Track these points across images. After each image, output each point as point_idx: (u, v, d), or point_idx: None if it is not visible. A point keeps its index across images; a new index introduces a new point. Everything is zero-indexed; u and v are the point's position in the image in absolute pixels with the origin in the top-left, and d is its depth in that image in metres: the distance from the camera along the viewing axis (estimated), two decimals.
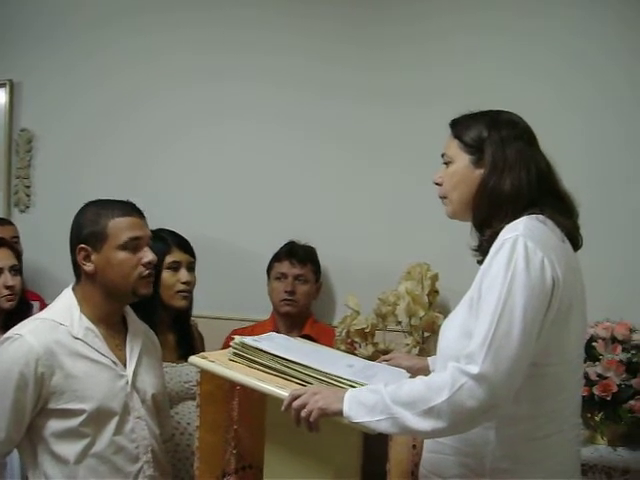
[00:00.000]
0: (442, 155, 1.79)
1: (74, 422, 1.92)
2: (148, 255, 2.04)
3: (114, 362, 2.02)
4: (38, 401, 1.92)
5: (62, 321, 1.98)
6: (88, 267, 2.01)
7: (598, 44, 2.86)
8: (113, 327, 2.08)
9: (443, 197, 1.79)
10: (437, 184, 1.81)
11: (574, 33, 2.89)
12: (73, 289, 2.07)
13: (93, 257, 2.00)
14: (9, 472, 2.32)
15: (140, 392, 2.05)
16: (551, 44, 2.91)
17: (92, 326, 2.01)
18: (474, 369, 1.48)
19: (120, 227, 2.01)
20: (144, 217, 2.09)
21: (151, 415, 2.08)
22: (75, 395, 1.92)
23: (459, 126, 1.76)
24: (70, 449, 1.92)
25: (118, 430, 1.97)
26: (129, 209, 2.06)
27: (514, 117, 1.74)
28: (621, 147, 2.84)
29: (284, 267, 3.04)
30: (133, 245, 2.01)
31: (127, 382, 2.02)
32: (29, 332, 1.94)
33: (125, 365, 2.05)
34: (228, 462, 1.98)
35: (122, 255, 2.00)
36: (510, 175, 1.65)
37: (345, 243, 3.17)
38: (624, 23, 2.84)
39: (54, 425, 1.93)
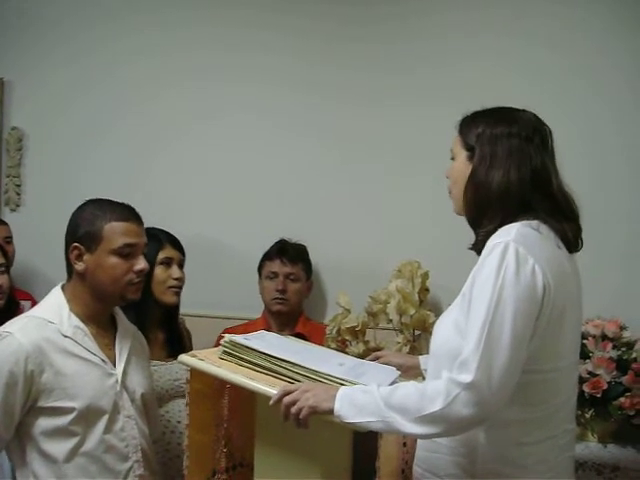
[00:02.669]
0: (451, 150, 1.79)
1: (64, 420, 1.91)
2: (141, 263, 2.03)
3: (103, 361, 2.01)
4: (28, 399, 1.91)
5: (51, 319, 1.97)
6: (79, 266, 2.00)
7: (597, 44, 2.88)
8: (102, 326, 2.07)
9: (450, 192, 1.79)
10: (448, 178, 1.80)
11: (573, 33, 2.90)
12: (62, 287, 2.06)
13: (85, 257, 1.99)
14: (1, 473, 2.31)
15: (129, 391, 2.05)
16: (550, 44, 2.92)
17: (81, 325, 2.00)
18: (467, 378, 1.48)
19: (116, 232, 1.99)
20: (142, 223, 2.08)
21: (140, 414, 2.07)
22: (65, 393, 1.92)
23: (463, 123, 1.76)
24: (59, 448, 1.92)
25: (108, 429, 1.97)
26: (128, 214, 2.04)
27: (518, 114, 1.72)
28: (617, 147, 2.86)
29: (275, 266, 3.04)
30: (127, 252, 2.00)
31: (117, 381, 2.01)
32: (18, 330, 1.93)
33: (114, 364, 2.04)
34: (218, 461, 1.97)
35: (114, 260, 1.99)
36: (498, 172, 1.64)
37: (336, 241, 3.17)
38: (623, 23, 2.86)
39: (43, 423, 1.92)
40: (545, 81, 2.90)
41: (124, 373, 2.04)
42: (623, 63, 2.85)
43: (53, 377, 1.91)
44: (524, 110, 1.74)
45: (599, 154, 2.87)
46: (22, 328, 1.94)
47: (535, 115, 1.73)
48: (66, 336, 1.96)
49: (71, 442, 1.92)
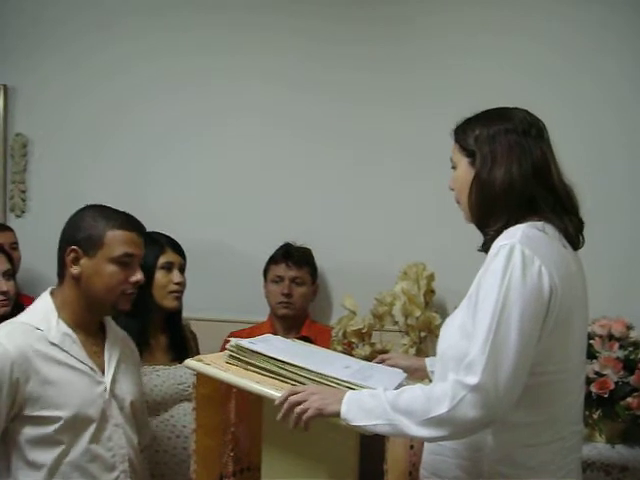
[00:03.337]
0: (450, 160, 1.79)
1: (49, 429, 1.87)
2: (137, 274, 2.00)
3: (92, 369, 1.97)
4: (12, 407, 1.86)
5: (39, 325, 1.93)
6: (75, 270, 1.96)
7: (598, 43, 2.88)
8: (92, 333, 2.03)
9: (457, 202, 1.78)
10: (452, 190, 1.79)
11: (574, 32, 2.91)
12: (52, 293, 2.02)
13: (82, 261, 1.96)
14: None
15: (118, 399, 2.01)
16: (551, 43, 2.92)
17: (70, 331, 1.96)
18: (473, 380, 1.48)
19: (118, 240, 1.96)
20: (143, 235, 2.05)
21: (129, 423, 2.03)
22: (51, 402, 1.87)
23: (458, 130, 1.76)
24: (44, 456, 1.88)
25: (94, 438, 1.92)
26: (132, 224, 2.02)
27: (510, 112, 1.72)
28: (620, 144, 2.86)
29: (280, 270, 3.04)
30: (125, 261, 1.97)
31: (105, 389, 1.98)
32: (4, 336, 1.88)
33: (103, 372, 2.00)
34: (226, 465, 1.97)
35: (112, 268, 1.96)
36: (500, 169, 1.64)
37: (342, 244, 3.17)
38: (624, 21, 2.86)
39: (29, 432, 1.88)
40: (547, 80, 2.90)
41: (113, 381, 2.00)
42: (625, 61, 2.85)
43: (39, 386, 1.87)
44: (515, 107, 1.74)
45: (601, 151, 2.87)
46: (8, 334, 1.90)
47: (527, 111, 1.73)
48: (53, 343, 1.92)
49: (56, 451, 1.88)
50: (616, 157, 2.86)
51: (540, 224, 1.62)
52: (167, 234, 2.53)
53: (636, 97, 2.84)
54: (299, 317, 3.07)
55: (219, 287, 3.26)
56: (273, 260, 3.08)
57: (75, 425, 1.90)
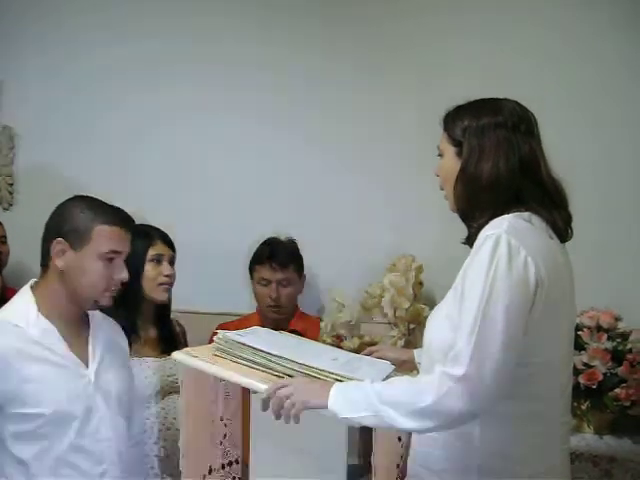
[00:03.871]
0: (437, 147, 1.78)
1: (32, 425, 1.84)
2: (123, 272, 1.96)
3: (75, 362, 1.93)
4: None
5: (18, 322, 1.88)
6: (60, 263, 1.91)
7: (598, 27, 2.87)
8: (74, 325, 1.98)
9: (442, 189, 1.78)
10: (438, 176, 1.79)
11: (574, 15, 2.90)
12: (33, 286, 1.97)
13: (68, 254, 1.91)
14: None
15: (104, 391, 1.97)
16: (551, 26, 2.91)
17: (51, 326, 1.91)
18: (459, 371, 1.47)
19: (106, 235, 1.92)
20: (130, 230, 2.00)
21: (116, 415, 1.99)
22: (33, 400, 1.84)
23: (448, 119, 1.75)
24: (29, 450, 1.85)
25: (80, 432, 1.89)
26: (120, 219, 1.97)
27: (500, 103, 1.71)
28: (615, 134, 2.85)
29: (266, 272, 2.96)
30: (111, 257, 1.93)
31: (89, 382, 1.94)
32: None
33: (87, 364, 1.96)
34: (214, 458, 1.97)
35: (98, 264, 1.92)
36: (487, 164, 1.63)
37: (331, 236, 3.17)
38: (624, 5, 2.85)
39: (12, 427, 1.85)
40: (549, 64, 2.89)
41: (98, 373, 1.96)
42: (622, 46, 2.84)
43: (19, 384, 1.84)
44: (507, 99, 1.73)
45: (596, 143, 2.86)
46: None
47: (518, 103, 1.72)
48: (33, 340, 1.87)
49: (41, 445, 1.85)
50: (612, 150, 2.84)
51: (526, 215, 1.62)
52: (157, 227, 2.52)
53: (636, 82, 2.82)
54: (288, 314, 3.03)
55: (206, 279, 3.24)
56: (258, 260, 3.00)
57: (58, 421, 1.87)
